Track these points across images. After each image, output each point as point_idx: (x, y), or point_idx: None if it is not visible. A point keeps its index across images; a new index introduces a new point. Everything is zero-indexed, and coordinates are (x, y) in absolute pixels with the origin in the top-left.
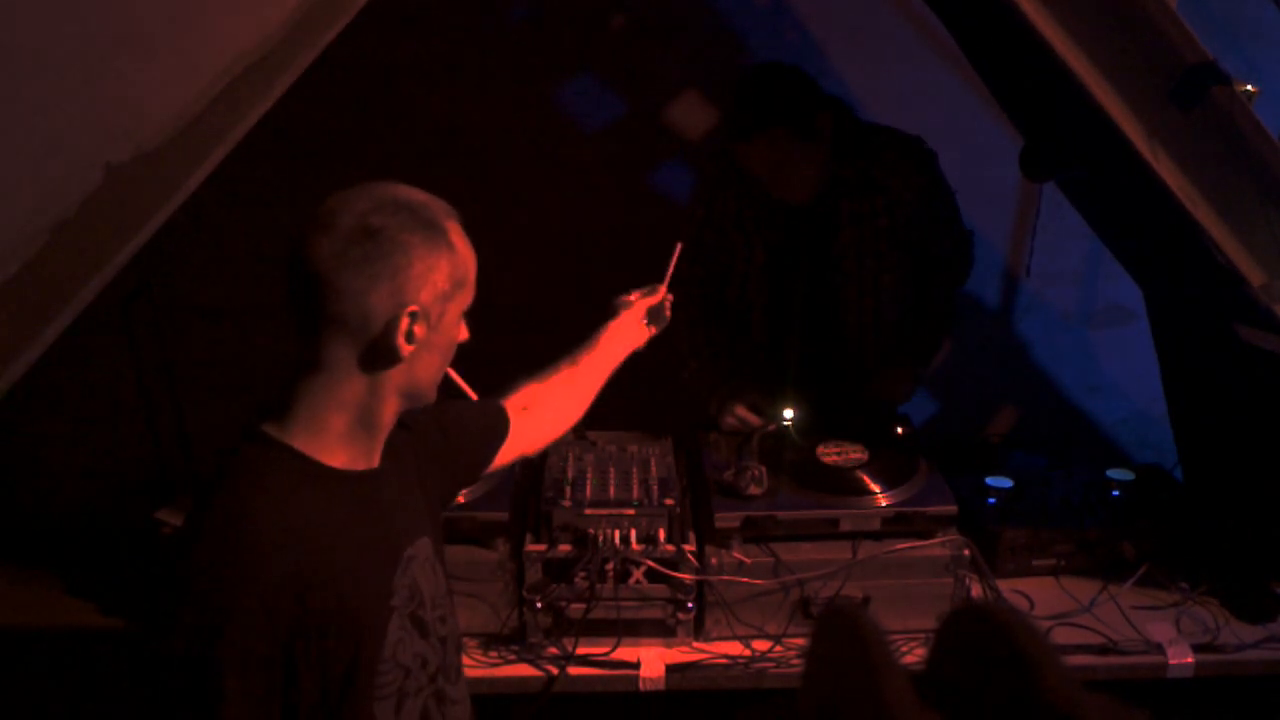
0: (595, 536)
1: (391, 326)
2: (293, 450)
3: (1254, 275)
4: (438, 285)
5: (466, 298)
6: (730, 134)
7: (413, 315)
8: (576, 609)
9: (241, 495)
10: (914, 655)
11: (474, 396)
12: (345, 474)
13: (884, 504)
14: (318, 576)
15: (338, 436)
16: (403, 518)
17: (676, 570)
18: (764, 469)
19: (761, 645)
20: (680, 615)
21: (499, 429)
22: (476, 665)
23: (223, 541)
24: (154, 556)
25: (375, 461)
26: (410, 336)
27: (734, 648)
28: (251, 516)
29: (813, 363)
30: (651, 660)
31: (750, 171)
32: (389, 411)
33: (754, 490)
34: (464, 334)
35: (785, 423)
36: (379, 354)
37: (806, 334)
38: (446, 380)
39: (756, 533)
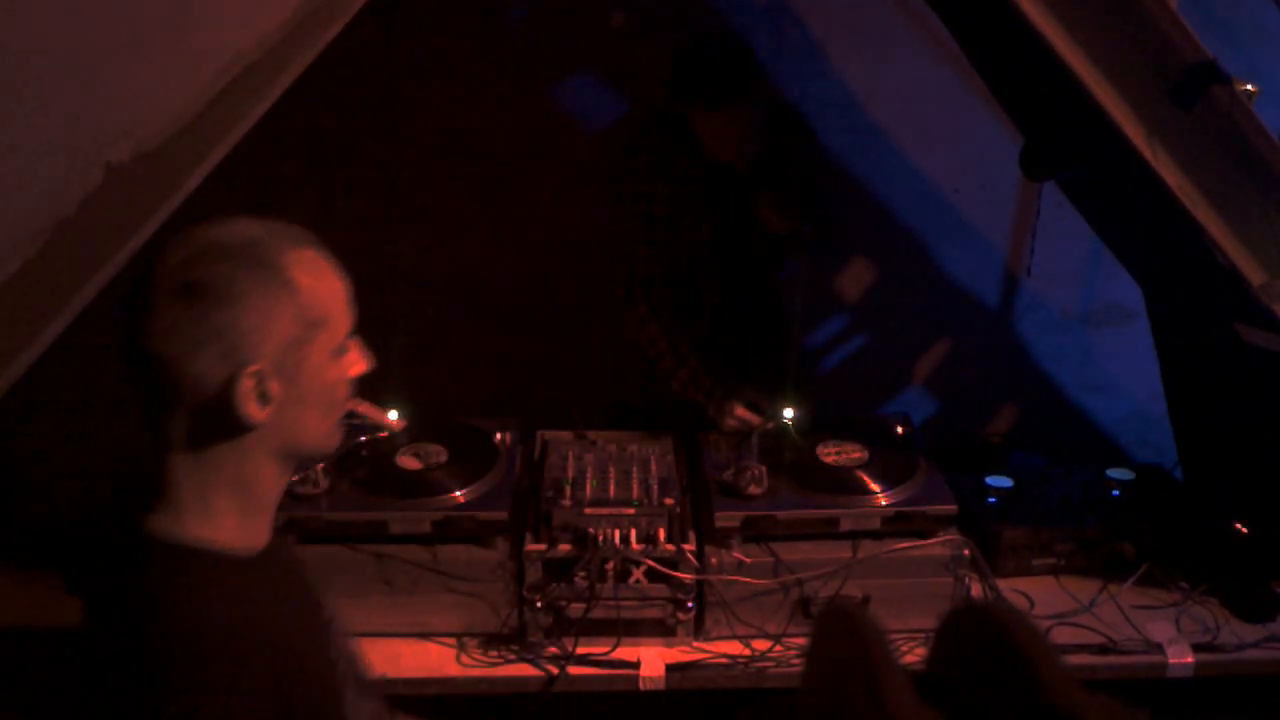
0: (595, 536)
1: (229, 392)
2: (196, 546)
3: (1254, 275)
4: (281, 335)
5: (333, 333)
6: (696, 102)
7: (256, 375)
8: (576, 608)
9: (184, 608)
10: (914, 655)
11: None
12: (254, 559)
13: (884, 504)
14: (287, 668)
15: (232, 519)
16: (308, 584)
17: (676, 570)
18: (764, 469)
19: (761, 645)
20: (680, 615)
21: None
22: (476, 665)
23: (198, 661)
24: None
25: (269, 535)
26: (264, 398)
27: (734, 647)
28: (211, 630)
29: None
30: (651, 660)
31: (710, 141)
32: (269, 478)
33: (754, 490)
34: (356, 368)
35: (785, 422)
36: (229, 424)
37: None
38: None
39: (756, 532)
